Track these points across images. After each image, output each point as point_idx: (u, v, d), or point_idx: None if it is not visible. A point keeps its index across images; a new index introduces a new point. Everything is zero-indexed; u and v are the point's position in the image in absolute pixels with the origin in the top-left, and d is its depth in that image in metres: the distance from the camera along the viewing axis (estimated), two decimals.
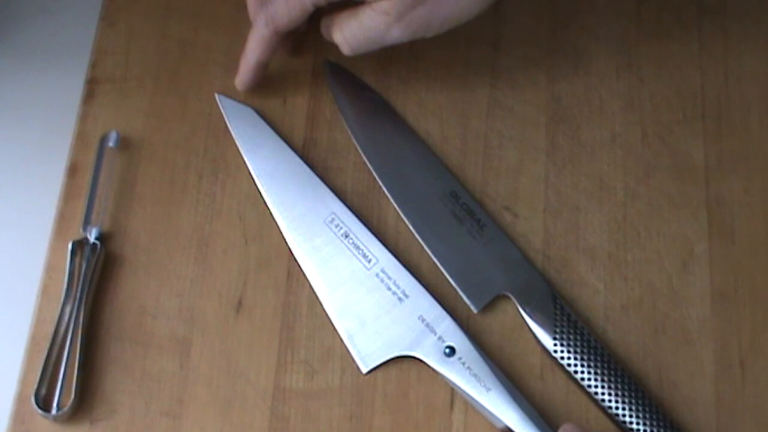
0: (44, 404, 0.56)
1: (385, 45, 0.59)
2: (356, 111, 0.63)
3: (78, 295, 0.58)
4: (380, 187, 0.61)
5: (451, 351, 0.56)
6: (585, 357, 0.56)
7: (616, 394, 0.55)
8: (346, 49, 0.60)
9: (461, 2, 0.57)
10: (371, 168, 0.62)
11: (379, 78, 0.65)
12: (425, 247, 0.59)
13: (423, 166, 0.62)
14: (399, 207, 0.61)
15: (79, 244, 0.59)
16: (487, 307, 0.58)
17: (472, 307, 0.58)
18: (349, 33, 0.59)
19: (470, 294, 0.58)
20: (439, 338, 0.56)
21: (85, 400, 0.56)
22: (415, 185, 0.61)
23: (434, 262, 0.59)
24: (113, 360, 0.57)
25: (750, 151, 0.62)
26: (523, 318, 0.57)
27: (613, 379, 0.55)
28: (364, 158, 0.62)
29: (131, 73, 0.65)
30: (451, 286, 0.59)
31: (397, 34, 0.58)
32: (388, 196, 0.61)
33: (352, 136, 0.62)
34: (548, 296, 0.57)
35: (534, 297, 0.58)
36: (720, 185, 0.62)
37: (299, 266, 0.59)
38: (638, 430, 0.54)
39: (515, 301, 0.58)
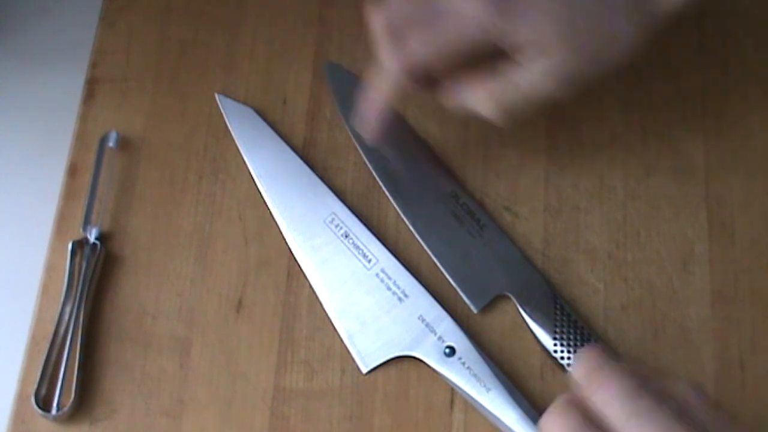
0: (44, 404, 0.56)
1: (543, 106, 0.54)
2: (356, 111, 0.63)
3: (78, 295, 0.58)
4: (380, 187, 0.61)
5: (451, 351, 0.56)
6: None
7: None
8: (499, 118, 0.55)
9: (623, 51, 0.53)
10: (371, 168, 0.62)
11: None
12: (425, 247, 0.59)
13: (423, 166, 0.62)
14: (399, 207, 0.61)
15: (79, 244, 0.59)
16: (487, 307, 0.58)
17: (472, 307, 0.58)
18: (503, 98, 0.54)
19: (470, 294, 0.58)
20: (439, 338, 0.56)
21: (85, 400, 0.56)
22: (415, 185, 0.61)
23: (434, 262, 0.59)
24: (113, 360, 0.57)
25: (750, 151, 0.62)
26: (523, 318, 0.57)
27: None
28: (364, 158, 0.62)
29: (131, 73, 0.65)
30: (451, 286, 0.59)
31: (559, 93, 0.53)
32: (388, 196, 0.61)
33: (352, 136, 0.62)
34: (548, 296, 0.57)
35: (534, 297, 0.58)
36: (720, 185, 0.62)
37: (299, 266, 0.59)
38: None
39: (515, 301, 0.58)
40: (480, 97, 0.55)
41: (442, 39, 0.52)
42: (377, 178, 0.61)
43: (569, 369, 0.56)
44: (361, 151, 0.62)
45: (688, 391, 0.42)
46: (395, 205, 0.61)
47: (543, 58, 0.52)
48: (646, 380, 0.42)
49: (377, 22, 0.54)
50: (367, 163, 0.62)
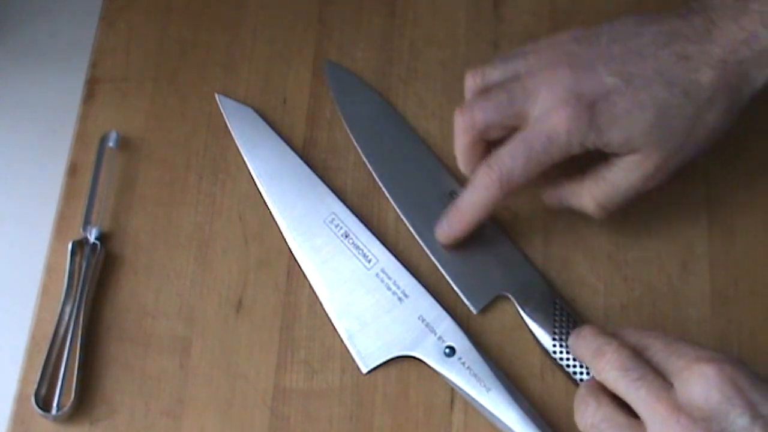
0: (44, 404, 0.56)
1: (636, 197, 0.55)
2: (356, 111, 0.63)
3: (78, 295, 0.58)
4: (380, 187, 0.61)
5: (451, 351, 0.56)
6: None
7: None
8: (600, 215, 0.56)
9: (713, 136, 0.54)
10: (371, 168, 0.62)
11: (379, 78, 0.65)
12: (424, 248, 0.59)
13: (422, 166, 0.62)
14: (398, 207, 0.60)
15: (79, 244, 0.59)
16: (486, 308, 0.58)
17: (472, 308, 0.58)
18: (603, 198, 0.55)
19: (470, 295, 0.58)
20: (439, 338, 0.56)
21: (85, 400, 0.56)
22: (415, 185, 0.61)
23: (434, 263, 0.59)
24: (113, 360, 0.57)
25: (750, 152, 0.62)
26: (522, 318, 0.57)
27: None
28: (364, 158, 0.62)
29: (131, 73, 0.65)
30: (451, 286, 0.59)
31: (653, 185, 0.54)
32: (388, 196, 0.61)
33: (351, 136, 0.62)
34: (548, 296, 0.57)
35: (533, 297, 0.58)
36: (720, 185, 0.62)
37: (299, 266, 0.59)
38: None
39: (514, 302, 0.58)
40: (580, 196, 0.56)
41: (536, 161, 0.53)
42: (377, 179, 0.61)
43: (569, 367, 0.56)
44: (360, 152, 0.62)
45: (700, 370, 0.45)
46: (395, 206, 0.61)
47: (634, 156, 0.53)
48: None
49: (471, 137, 0.55)
50: (367, 163, 0.62)
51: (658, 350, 0.48)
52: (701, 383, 0.44)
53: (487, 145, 0.56)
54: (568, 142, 0.52)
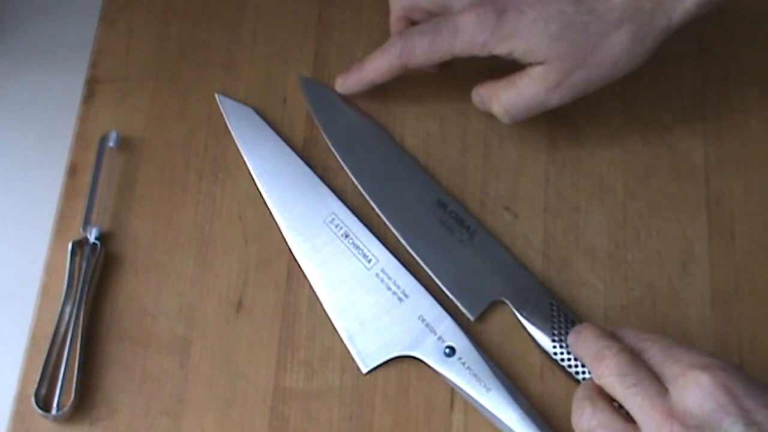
0: (44, 404, 0.56)
1: (545, 110, 0.58)
2: (337, 127, 0.63)
3: (78, 295, 0.58)
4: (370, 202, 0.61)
5: (451, 351, 0.56)
6: None
7: None
8: (506, 119, 0.59)
9: (620, 62, 0.55)
10: (356, 183, 0.61)
11: None
12: (417, 259, 0.59)
13: (408, 177, 0.62)
14: (388, 221, 0.60)
15: (79, 244, 0.59)
16: (483, 314, 0.58)
17: (469, 316, 0.58)
18: (508, 103, 0.58)
19: (466, 302, 0.58)
20: (439, 338, 0.56)
21: (85, 400, 0.56)
22: (402, 197, 0.61)
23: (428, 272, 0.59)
24: (113, 360, 0.57)
25: (750, 151, 0.62)
26: (520, 322, 0.57)
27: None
28: (349, 174, 0.61)
29: (131, 73, 0.65)
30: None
31: (557, 99, 0.57)
32: (377, 210, 0.60)
33: (335, 153, 0.62)
34: (544, 298, 0.57)
35: (529, 300, 0.57)
36: (720, 185, 0.62)
37: (299, 266, 0.59)
38: None
39: (511, 306, 0.58)
40: (492, 99, 0.59)
41: (439, 48, 0.57)
42: (365, 194, 0.61)
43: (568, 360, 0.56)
44: (345, 168, 0.62)
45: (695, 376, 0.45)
46: (384, 219, 0.60)
47: (541, 68, 0.55)
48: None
49: (397, 10, 0.61)
50: (353, 178, 0.61)
51: (656, 353, 0.48)
52: (695, 390, 0.44)
53: (411, 23, 0.61)
54: (471, 39, 0.56)
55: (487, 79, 0.59)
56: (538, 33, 0.55)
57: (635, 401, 0.46)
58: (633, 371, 0.47)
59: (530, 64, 0.56)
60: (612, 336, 0.51)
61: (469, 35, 0.56)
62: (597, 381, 0.49)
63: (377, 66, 0.60)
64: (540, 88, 0.56)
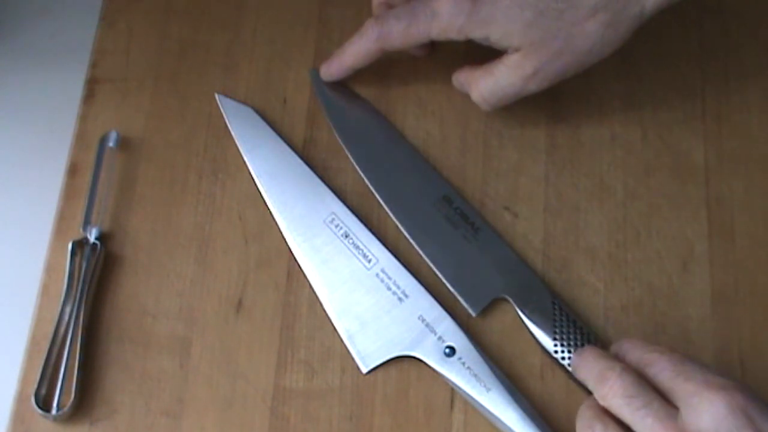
0: (44, 404, 0.56)
1: (523, 96, 0.59)
2: (345, 119, 0.63)
3: (78, 295, 0.58)
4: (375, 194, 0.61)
5: (451, 351, 0.56)
6: None
7: None
8: (484, 107, 0.60)
9: (594, 50, 0.56)
10: (364, 177, 0.61)
11: (379, 78, 0.65)
12: (421, 254, 0.59)
13: (415, 172, 0.62)
14: (393, 214, 0.60)
15: (79, 244, 0.59)
16: (485, 311, 0.58)
17: (471, 311, 0.58)
18: (486, 91, 0.59)
19: (468, 298, 0.58)
20: (439, 338, 0.56)
21: (85, 400, 0.56)
22: (408, 192, 0.61)
23: (431, 268, 0.59)
24: (113, 360, 0.57)
25: (750, 151, 0.62)
26: (521, 320, 0.57)
27: None
28: (356, 167, 0.61)
29: (131, 73, 0.65)
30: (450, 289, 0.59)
31: (534, 87, 0.58)
32: (382, 204, 0.61)
33: (343, 145, 0.62)
34: (546, 297, 0.57)
35: (532, 298, 0.57)
36: (720, 185, 0.62)
37: (299, 266, 0.59)
38: None
39: (513, 304, 0.58)
40: (471, 89, 0.60)
41: (415, 32, 0.58)
42: (371, 187, 0.61)
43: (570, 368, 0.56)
44: (352, 160, 0.62)
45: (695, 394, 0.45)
46: (389, 213, 0.60)
47: (517, 56, 0.56)
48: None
49: None
50: (360, 171, 0.61)
51: (664, 369, 0.47)
52: (711, 412, 0.43)
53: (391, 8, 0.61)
54: (447, 24, 0.57)
55: (466, 65, 0.60)
56: (514, 19, 0.55)
57: (645, 423, 0.45)
58: (640, 392, 0.46)
59: (506, 52, 0.57)
60: (615, 356, 0.49)
61: (445, 20, 0.57)
62: (602, 403, 0.47)
63: (356, 50, 0.61)
64: (516, 77, 0.57)
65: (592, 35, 0.55)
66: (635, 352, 0.49)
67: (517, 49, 0.56)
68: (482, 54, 0.59)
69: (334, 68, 0.63)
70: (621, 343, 0.50)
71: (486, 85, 0.59)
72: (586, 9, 0.55)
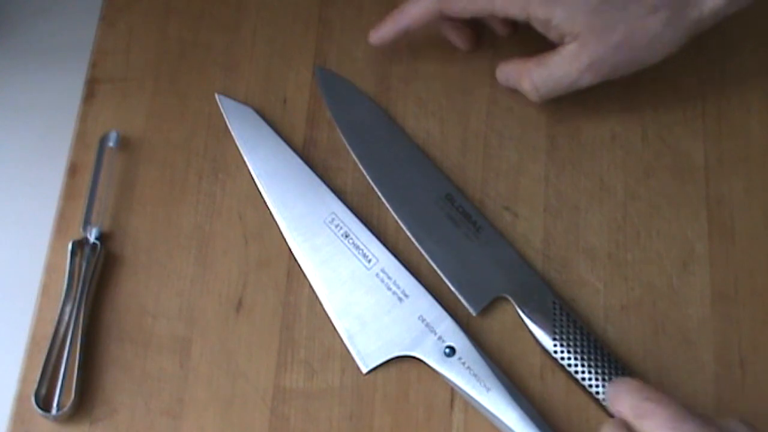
0: (44, 404, 0.56)
1: (574, 90, 0.59)
2: (350, 117, 0.63)
3: (78, 295, 0.58)
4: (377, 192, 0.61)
5: (451, 351, 0.56)
6: (585, 357, 0.56)
7: None
8: (535, 97, 0.60)
9: (652, 47, 0.57)
10: (366, 174, 0.61)
11: (379, 78, 0.65)
12: (422, 251, 0.59)
13: (418, 170, 0.62)
14: (395, 212, 0.60)
15: (79, 244, 0.59)
16: (485, 310, 0.58)
17: (471, 310, 0.58)
18: (539, 80, 0.59)
19: (468, 297, 0.58)
20: (439, 338, 0.56)
21: (85, 400, 0.56)
22: (411, 189, 0.61)
23: (432, 266, 0.59)
24: (113, 360, 0.57)
25: (750, 151, 0.62)
26: (521, 319, 0.57)
27: (613, 379, 0.55)
28: (360, 165, 0.62)
29: (131, 73, 0.65)
30: (450, 287, 0.59)
31: (586, 81, 0.58)
32: (384, 201, 0.61)
33: (346, 143, 0.62)
34: (547, 297, 0.57)
35: (532, 298, 0.57)
36: (720, 185, 0.62)
37: (299, 266, 0.59)
38: None
39: (513, 303, 0.58)
40: (522, 76, 0.60)
41: (481, 2, 0.58)
42: (373, 184, 0.61)
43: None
44: (355, 158, 0.62)
45: (736, 423, 0.44)
46: (391, 211, 0.60)
47: (574, 45, 0.56)
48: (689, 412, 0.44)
49: None
50: (362, 169, 0.61)
51: (660, 426, 0.44)
52: None
53: None
54: (515, 12, 0.57)
55: (513, 56, 0.61)
56: (579, 3, 0.55)
57: None
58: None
59: (562, 41, 0.57)
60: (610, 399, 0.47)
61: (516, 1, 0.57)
62: None
63: (415, 10, 0.61)
64: (572, 67, 0.57)
65: (651, 32, 0.56)
66: (630, 398, 0.46)
67: (575, 38, 0.56)
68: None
69: (385, 30, 0.62)
70: (616, 384, 0.47)
71: (540, 75, 0.59)
72: (649, 5, 0.55)
